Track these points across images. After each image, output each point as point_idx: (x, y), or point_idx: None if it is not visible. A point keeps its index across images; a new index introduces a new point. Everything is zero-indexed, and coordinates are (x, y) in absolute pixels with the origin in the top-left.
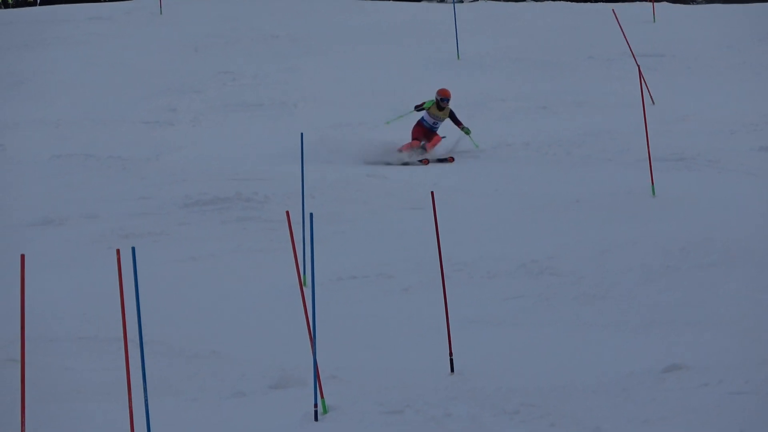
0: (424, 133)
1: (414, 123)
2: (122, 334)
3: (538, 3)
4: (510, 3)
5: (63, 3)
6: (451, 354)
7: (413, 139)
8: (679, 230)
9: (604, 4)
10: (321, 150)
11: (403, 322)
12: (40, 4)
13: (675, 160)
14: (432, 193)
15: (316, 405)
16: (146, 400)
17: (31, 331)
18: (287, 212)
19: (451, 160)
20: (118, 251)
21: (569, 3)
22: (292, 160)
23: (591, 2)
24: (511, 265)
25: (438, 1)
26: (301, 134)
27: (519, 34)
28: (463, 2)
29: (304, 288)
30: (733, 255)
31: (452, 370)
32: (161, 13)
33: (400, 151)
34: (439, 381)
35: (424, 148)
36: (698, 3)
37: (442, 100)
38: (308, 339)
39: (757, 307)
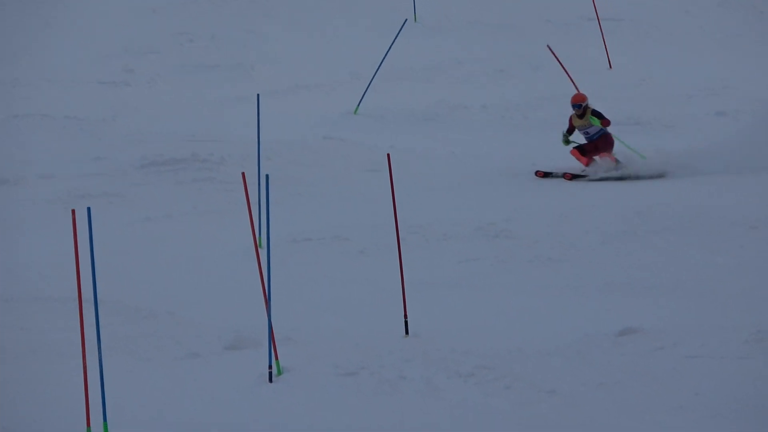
0: (586, 149)
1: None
2: (77, 294)
3: None
4: None
5: None
6: (405, 316)
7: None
8: (635, 195)
9: None
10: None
11: (358, 285)
12: None
13: (632, 124)
14: (388, 155)
15: (270, 367)
16: (100, 360)
17: None
18: (243, 173)
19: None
20: (73, 211)
21: None
22: (249, 122)
23: None
24: (468, 228)
25: None
26: (257, 95)
27: None
28: None
29: (259, 249)
30: (689, 220)
31: (407, 332)
32: None
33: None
34: (394, 343)
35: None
36: None
37: (574, 107)
38: (263, 301)
39: (712, 272)
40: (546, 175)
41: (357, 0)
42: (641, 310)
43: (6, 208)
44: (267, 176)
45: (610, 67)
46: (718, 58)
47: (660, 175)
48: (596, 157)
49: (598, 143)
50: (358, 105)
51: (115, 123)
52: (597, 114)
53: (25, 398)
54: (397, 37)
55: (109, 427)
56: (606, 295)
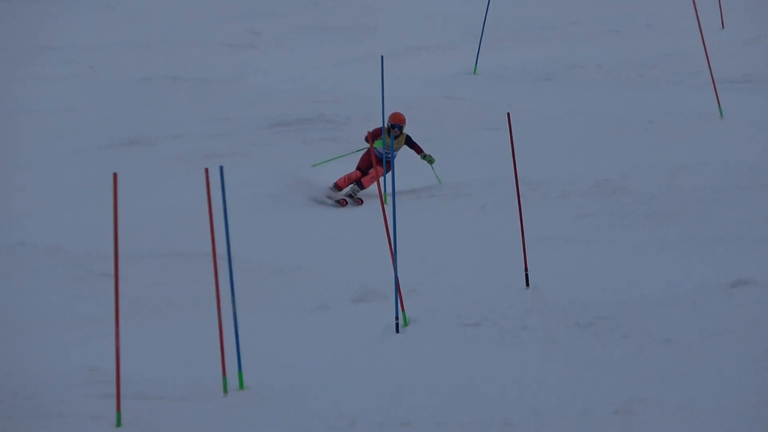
0: (372, 162)
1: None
2: (211, 250)
3: None
4: None
5: None
6: (526, 269)
7: (357, 168)
8: (747, 151)
9: None
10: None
11: (479, 239)
12: None
13: (743, 82)
14: (508, 114)
15: (397, 318)
16: (234, 313)
17: (124, 247)
18: (368, 133)
19: (360, 202)
20: (206, 170)
21: None
22: (371, 82)
23: None
24: (585, 185)
25: None
26: (381, 57)
27: None
28: None
29: (385, 206)
30: None
31: (527, 284)
32: None
33: (335, 186)
34: (515, 295)
35: (360, 185)
36: None
37: (393, 127)
38: (389, 255)
39: None
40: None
41: None
42: (753, 262)
43: (139, 167)
44: (392, 135)
45: (723, 26)
46: None
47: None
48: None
49: (385, 163)
50: (476, 65)
51: (242, 84)
52: (410, 140)
53: (163, 349)
54: None
55: (243, 375)
56: (719, 248)
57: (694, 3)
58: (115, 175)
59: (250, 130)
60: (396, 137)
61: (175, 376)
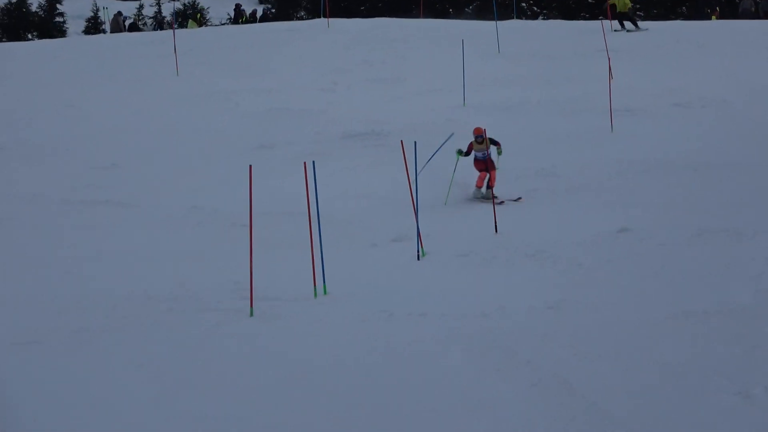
0: (482, 164)
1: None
2: (307, 210)
3: None
4: None
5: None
6: (495, 222)
7: (479, 170)
8: (628, 151)
9: None
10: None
11: (465, 205)
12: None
13: (625, 110)
14: (484, 129)
15: (418, 251)
16: (321, 248)
17: (256, 209)
18: (401, 141)
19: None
20: (305, 164)
21: None
22: (404, 111)
23: None
24: (531, 171)
25: None
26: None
27: None
28: None
29: (412, 183)
30: None
31: (496, 231)
32: (328, 27)
33: (477, 188)
34: (488, 238)
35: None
36: None
37: (476, 139)
38: (413, 212)
39: None
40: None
41: (466, 37)
42: (631, 217)
43: (266, 164)
44: (415, 142)
45: (612, 78)
46: None
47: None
48: (486, 188)
49: (486, 162)
50: (464, 100)
51: (326, 113)
52: (492, 140)
53: (278, 270)
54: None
55: (326, 286)
56: (610, 208)
57: (609, 64)
58: (250, 167)
59: (330, 140)
60: (480, 143)
61: (285, 286)
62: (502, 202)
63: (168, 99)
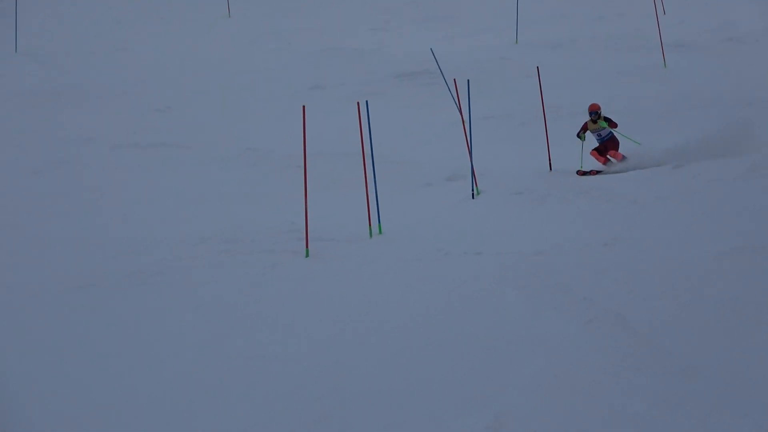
0: (600, 150)
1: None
2: (361, 150)
3: None
4: None
5: None
6: (549, 160)
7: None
8: (682, 85)
9: None
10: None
11: (521, 143)
12: None
13: (677, 45)
14: (537, 67)
15: (472, 190)
16: (375, 189)
17: (310, 149)
18: (455, 80)
19: (594, 173)
20: (358, 103)
21: None
22: (455, 51)
23: None
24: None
25: None
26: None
27: None
28: None
29: (465, 124)
30: None
31: (551, 169)
32: None
33: (589, 173)
34: (543, 175)
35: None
36: None
37: (591, 114)
38: (467, 151)
39: None
40: (584, 173)
41: None
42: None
43: (320, 104)
44: (468, 80)
45: (664, 13)
46: None
47: (658, 164)
48: (610, 157)
49: (607, 144)
50: (516, 38)
51: (378, 52)
52: (607, 119)
53: (333, 210)
54: None
55: (382, 225)
56: (666, 144)
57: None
58: (303, 108)
59: (383, 79)
60: (595, 121)
61: (340, 227)
62: (599, 172)
63: (220, 40)
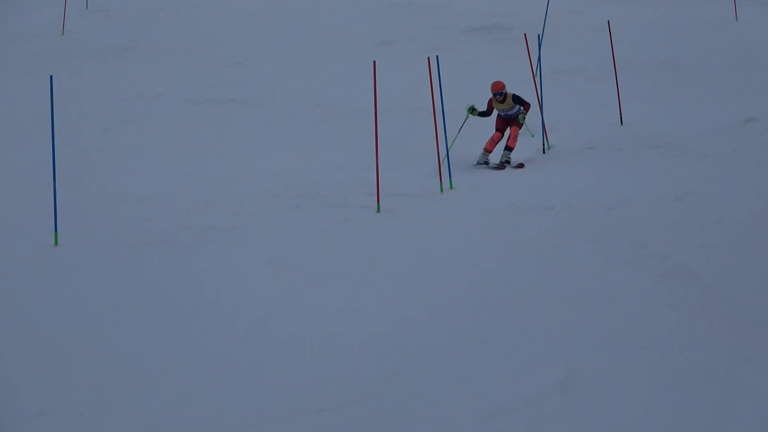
0: (504, 122)
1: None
2: (431, 105)
3: None
4: None
5: None
6: (621, 113)
7: (496, 130)
8: (754, 40)
9: None
10: None
11: (590, 99)
12: None
13: None
14: (608, 21)
15: (543, 145)
16: (446, 144)
17: (380, 104)
18: (524, 34)
19: (521, 167)
20: (428, 58)
21: None
22: (526, 6)
23: None
24: (652, 63)
25: None
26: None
27: None
28: None
29: (535, 78)
30: None
31: (621, 123)
32: None
33: (484, 151)
34: (614, 130)
35: (509, 149)
36: None
37: (495, 95)
38: (538, 105)
39: None
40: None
41: None
42: (758, 107)
43: (390, 59)
44: (538, 35)
45: None
46: None
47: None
48: (508, 136)
49: (513, 121)
50: None
51: (448, 7)
52: (516, 98)
53: (405, 166)
54: None
55: (453, 181)
56: (735, 98)
57: None
58: (374, 63)
59: (452, 34)
60: (501, 101)
61: (411, 182)
62: (502, 167)
63: None
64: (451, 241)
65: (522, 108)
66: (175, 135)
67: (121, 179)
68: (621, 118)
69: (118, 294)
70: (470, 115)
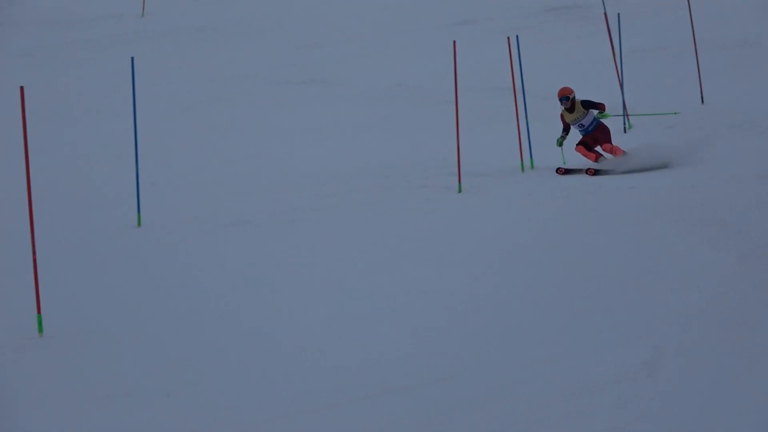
0: (588, 143)
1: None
2: (512, 85)
3: None
4: None
5: None
6: (701, 92)
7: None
8: None
9: None
10: None
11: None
12: None
13: None
14: None
15: (623, 123)
16: (527, 124)
17: (460, 83)
18: (605, 13)
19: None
20: (508, 38)
21: None
22: None
23: None
24: (730, 42)
25: None
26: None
27: None
28: None
29: (616, 59)
30: None
31: (702, 102)
32: None
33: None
34: (695, 109)
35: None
36: None
37: (561, 101)
38: (618, 84)
39: None
40: (567, 172)
41: None
42: None
43: (469, 39)
44: (618, 14)
45: None
46: None
47: (664, 165)
48: (604, 153)
49: (595, 134)
50: None
51: None
52: (586, 103)
53: (485, 146)
54: None
55: (534, 161)
56: None
57: None
58: (454, 43)
59: (533, 14)
60: (570, 110)
61: (492, 161)
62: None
63: None
64: (532, 220)
65: (597, 111)
66: (256, 115)
67: (203, 159)
68: (702, 96)
69: (201, 275)
70: (562, 145)
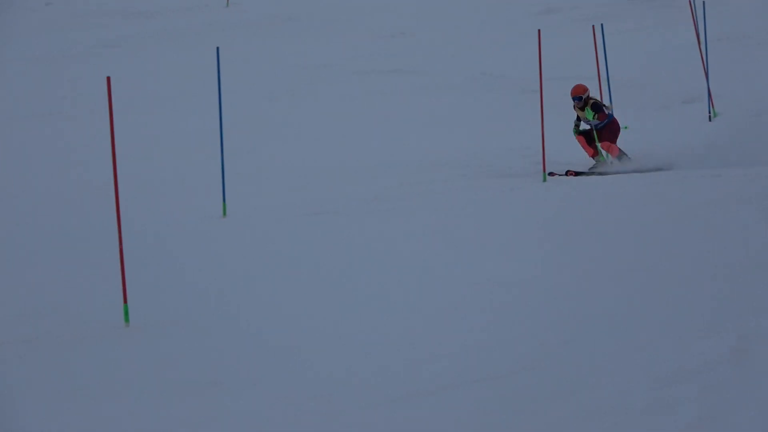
0: (589, 135)
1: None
2: (596, 74)
3: None
4: None
5: None
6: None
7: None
8: None
9: None
10: None
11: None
12: None
13: None
14: None
15: (709, 112)
16: (612, 111)
17: (544, 72)
18: (690, 1)
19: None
20: (593, 27)
21: None
22: None
23: None
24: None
25: None
26: None
27: None
28: None
29: (700, 44)
30: None
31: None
32: None
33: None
34: None
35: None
36: None
37: (574, 100)
38: (703, 72)
39: None
40: (578, 174)
41: None
42: None
43: (552, 27)
44: (704, 2)
45: None
46: None
47: (658, 169)
48: (602, 149)
49: (603, 132)
50: None
51: None
52: (595, 106)
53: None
54: None
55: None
56: None
57: None
58: (539, 31)
59: (617, 2)
60: (581, 109)
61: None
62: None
63: None
64: (617, 208)
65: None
66: (341, 105)
67: (288, 149)
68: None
69: (287, 265)
70: (581, 132)
